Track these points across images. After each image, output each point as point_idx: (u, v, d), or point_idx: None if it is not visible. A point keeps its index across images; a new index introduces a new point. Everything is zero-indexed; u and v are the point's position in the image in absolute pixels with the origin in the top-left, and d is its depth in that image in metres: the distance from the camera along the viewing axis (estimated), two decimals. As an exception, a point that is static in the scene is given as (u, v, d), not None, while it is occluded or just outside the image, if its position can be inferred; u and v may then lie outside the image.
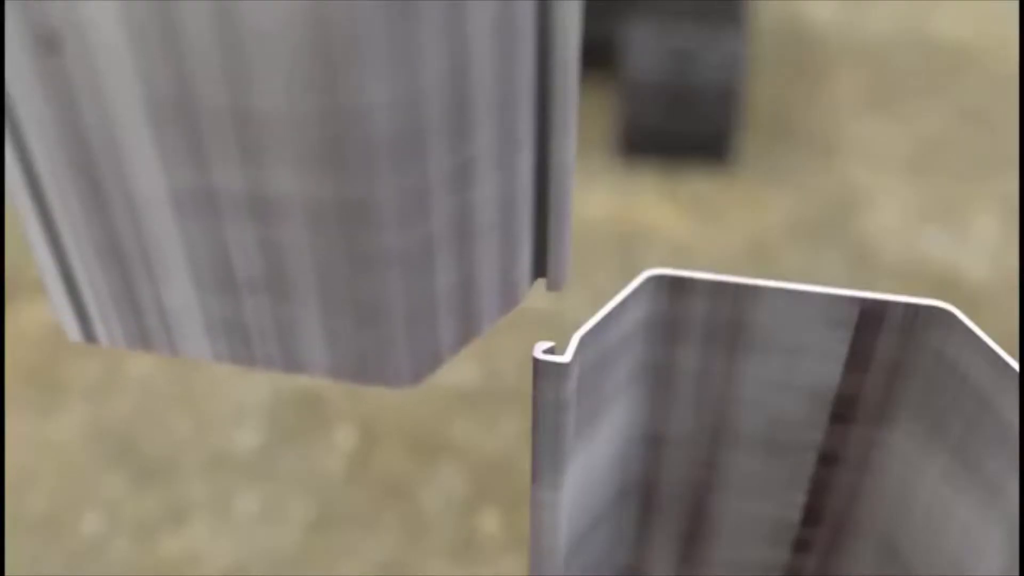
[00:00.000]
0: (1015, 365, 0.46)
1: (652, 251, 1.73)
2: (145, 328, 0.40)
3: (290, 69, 0.31)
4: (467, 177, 0.37)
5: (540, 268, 0.43)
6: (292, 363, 0.39)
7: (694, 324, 0.52)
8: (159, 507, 1.30)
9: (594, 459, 0.54)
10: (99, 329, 0.41)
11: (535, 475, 0.50)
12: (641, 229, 1.79)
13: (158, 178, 0.35)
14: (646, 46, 1.82)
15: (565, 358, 0.45)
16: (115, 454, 1.37)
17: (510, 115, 0.37)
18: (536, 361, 0.46)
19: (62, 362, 1.51)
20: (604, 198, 1.87)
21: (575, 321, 1.59)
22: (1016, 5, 2.63)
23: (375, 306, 0.36)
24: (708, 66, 1.82)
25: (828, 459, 0.57)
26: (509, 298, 0.42)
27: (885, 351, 0.51)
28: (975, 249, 1.74)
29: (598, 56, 2.32)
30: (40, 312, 1.60)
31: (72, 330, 0.42)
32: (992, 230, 1.79)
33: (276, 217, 0.35)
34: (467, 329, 0.41)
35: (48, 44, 0.32)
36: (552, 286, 0.43)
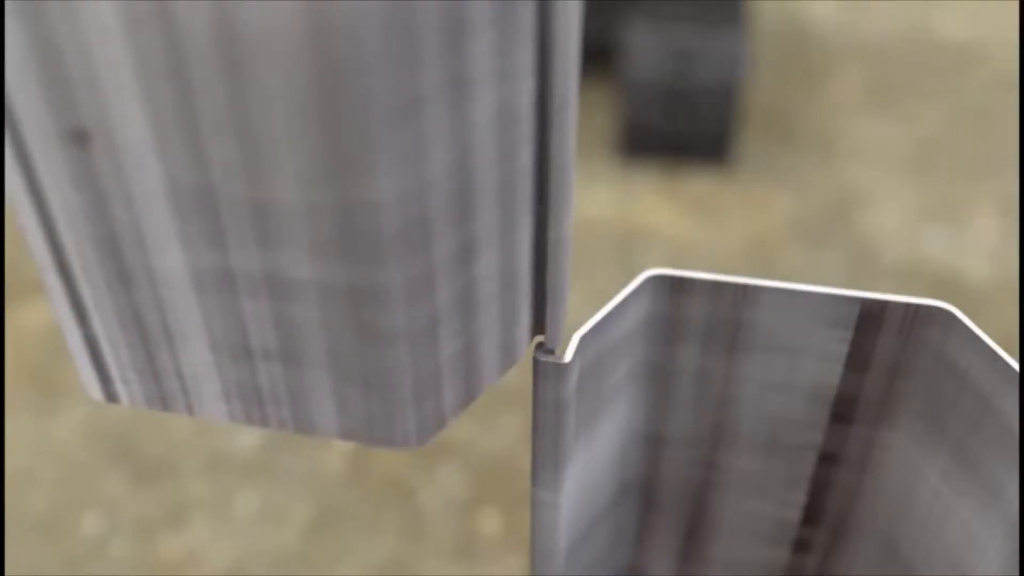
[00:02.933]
0: (1015, 365, 0.46)
1: (652, 251, 1.73)
2: (164, 391, 0.43)
3: (305, 166, 0.33)
4: (470, 256, 0.39)
5: (539, 326, 0.45)
6: (304, 425, 0.42)
7: (694, 324, 0.52)
8: (159, 507, 1.30)
9: (594, 459, 0.54)
10: (120, 390, 0.43)
11: (535, 475, 0.50)
12: (641, 229, 1.78)
13: (179, 258, 0.37)
14: (646, 46, 1.82)
15: (565, 358, 0.45)
16: (115, 454, 1.37)
17: (511, 192, 0.39)
18: (536, 361, 0.46)
19: (62, 362, 1.51)
20: (604, 198, 1.87)
21: (575, 321, 1.59)
22: (1016, 5, 2.63)
23: (382, 376, 0.39)
24: (708, 66, 1.82)
25: (828, 459, 0.57)
26: (509, 357, 0.44)
27: (885, 351, 0.51)
28: (975, 249, 1.74)
29: (598, 56, 2.32)
30: (40, 312, 1.60)
31: (94, 390, 0.44)
32: (992, 230, 1.79)
33: (290, 296, 0.37)
34: (469, 391, 0.43)
35: (77, 139, 0.34)
36: (551, 343, 0.45)
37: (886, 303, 0.50)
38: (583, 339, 0.47)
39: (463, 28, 0.33)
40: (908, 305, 0.49)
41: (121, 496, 1.31)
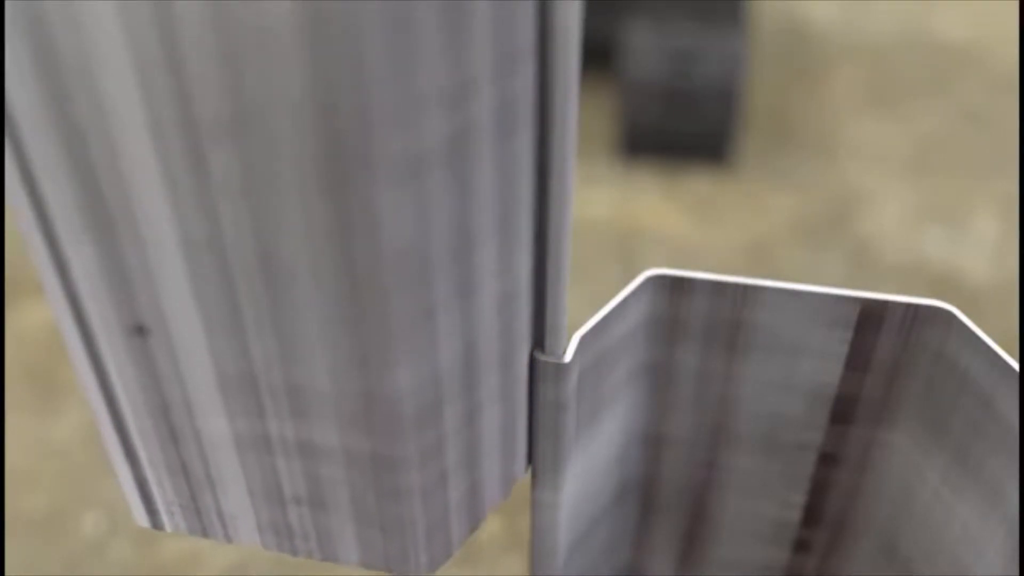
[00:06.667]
0: (1015, 365, 0.46)
1: (652, 251, 1.73)
2: (205, 524, 0.49)
3: (334, 361, 0.38)
4: (476, 416, 0.44)
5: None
6: (328, 556, 0.48)
7: (694, 324, 0.52)
8: (159, 507, 1.29)
9: (594, 459, 0.54)
10: (165, 520, 0.49)
11: (535, 475, 0.50)
12: (641, 229, 1.78)
13: (223, 424, 0.43)
14: (646, 46, 1.82)
15: (565, 358, 0.45)
16: (115, 454, 1.36)
17: (510, 361, 0.44)
18: (536, 361, 0.46)
19: (62, 362, 1.51)
20: (604, 198, 1.86)
21: (575, 321, 1.59)
22: (1016, 5, 2.63)
23: (398, 523, 0.44)
24: (708, 66, 1.82)
25: (828, 459, 0.57)
26: (508, 487, 0.50)
27: (885, 351, 0.51)
28: (975, 249, 1.74)
29: (598, 56, 2.32)
30: (40, 312, 1.60)
31: (141, 518, 0.50)
32: (992, 230, 1.79)
33: (319, 458, 0.43)
34: (473, 521, 0.48)
35: (137, 331, 0.40)
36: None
37: (886, 303, 0.50)
38: (583, 339, 0.47)
39: (471, 242, 0.38)
40: (908, 305, 0.49)
41: (121, 496, 1.31)
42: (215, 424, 0.43)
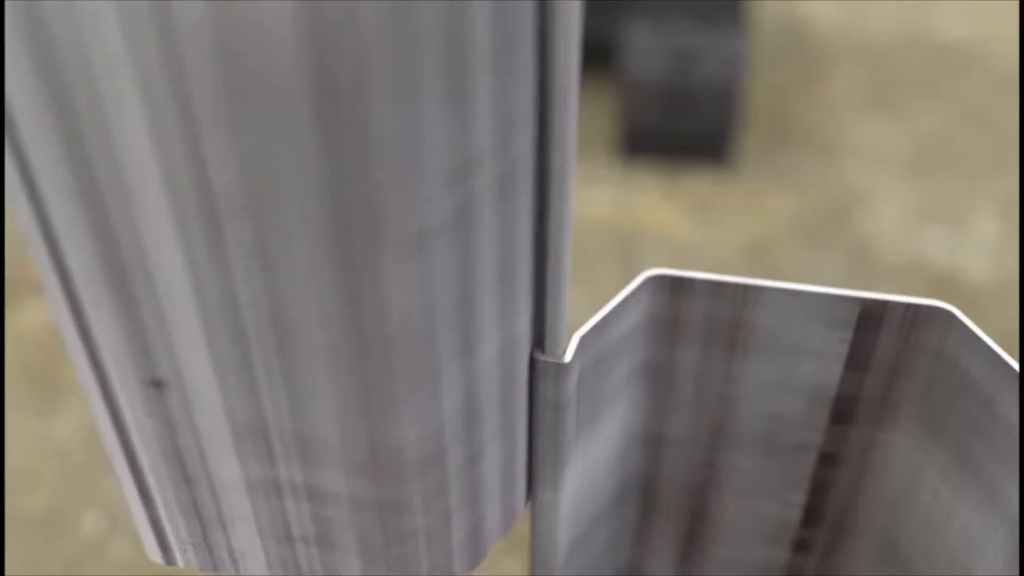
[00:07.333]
0: (1015, 365, 0.46)
1: (652, 251, 1.73)
2: (216, 560, 0.51)
3: (341, 412, 0.40)
4: (477, 459, 0.46)
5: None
6: None
7: (694, 324, 0.52)
8: (159, 507, 1.29)
9: (594, 459, 0.54)
10: (178, 557, 0.52)
11: (535, 475, 0.50)
12: (641, 229, 1.79)
13: (234, 469, 0.45)
14: (646, 46, 1.82)
15: (565, 358, 0.45)
16: (115, 454, 1.36)
17: (510, 400, 0.46)
18: (536, 361, 0.46)
19: (62, 362, 1.51)
20: (604, 198, 1.87)
21: (575, 321, 1.59)
22: (1016, 5, 2.63)
23: (403, 561, 0.46)
24: (708, 66, 1.82)
25: (828, 459, 0.57)
26: (509, 522, 0.52)
27: (885, 351, 0.51)
28: (975, 249, 1.74)
29: (598, 56, 2.32)
30: (40, 312, 1.60)
31: (155, 555, 0.52)
32: (992, 230, 1.79)
33: (327, 501, 0.45)
34: (476, 557, 0.50)
35: (155, 385, 0.42)
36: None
37: (886, 303, 0.50)
38: (583, 339, 0.47)
39: (473, 300, 0.40)
40: (908, 305, 0.49)
41: (121, 496, 1.31)
42: (227, 469, 0.45)
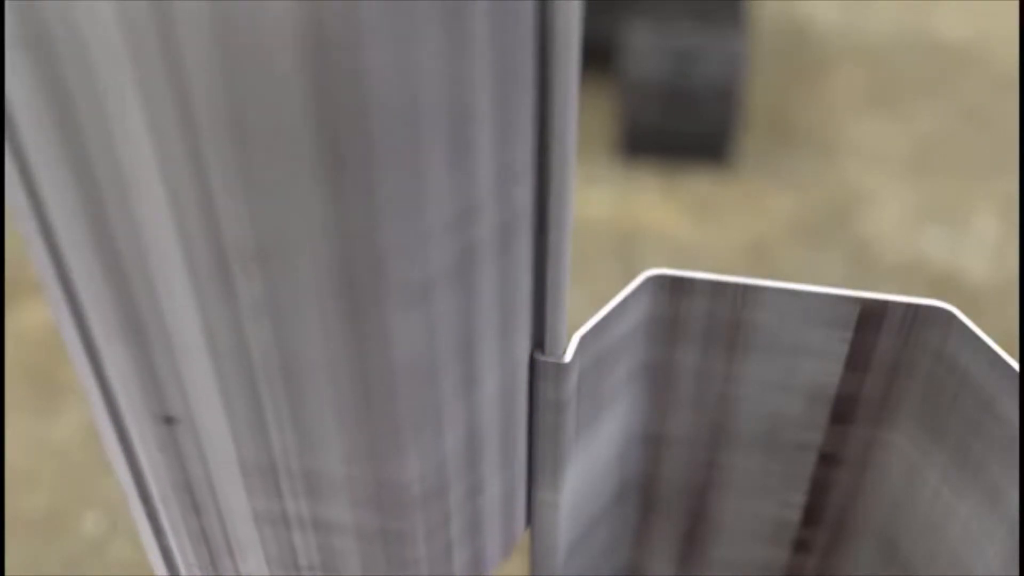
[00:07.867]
0: (1015, 365, 0.45)
1: (652, 251, 1.73)
2: None
3: (347, 451, 0.42)
4: (478, 491, 0.47)
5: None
6: None
7: (694, 324, 0.52)
8: (159, 507, 1.29)
9: (594, 459, 0.54)
10: None
11: (535, 475, 0.50)
12: (641, 229, 1.78)
13: (243, 501, 0.46)
14: (646, 46, 1.82)
15: (565, 358, 0.45)
16: (115, 454, 1.36)
17: (510, 433, 0.47)
18: (536, 361, 0.46)
19: (62, 362, 1.51)
20: (604, 198, 1.87)
21: (575, 321, 1.59)
22: (1016, 5, 2.63)
23: None
24: (708, 66, 1.82)
25: (828, 459, 0.57)
26: (509, 548, 0.53)
27: (885, 351, 0.51)
28: (975, 249, 1.74)
29: (598, 56, 2.32)
30: (40, 312, 1.60)
31: None
32: (992, 230, 1.79)
33: (332, 532, 0.46)
34: None
35: (166, 420, 0.43)
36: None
37: (886, 303, 0.50)
38: (583, 339, 0.47)
39: (474, 342, 0.41)
40: (908, 305, 0.49)
41: (121, 496, 1.31)
42: (236, 501, 0.47)
